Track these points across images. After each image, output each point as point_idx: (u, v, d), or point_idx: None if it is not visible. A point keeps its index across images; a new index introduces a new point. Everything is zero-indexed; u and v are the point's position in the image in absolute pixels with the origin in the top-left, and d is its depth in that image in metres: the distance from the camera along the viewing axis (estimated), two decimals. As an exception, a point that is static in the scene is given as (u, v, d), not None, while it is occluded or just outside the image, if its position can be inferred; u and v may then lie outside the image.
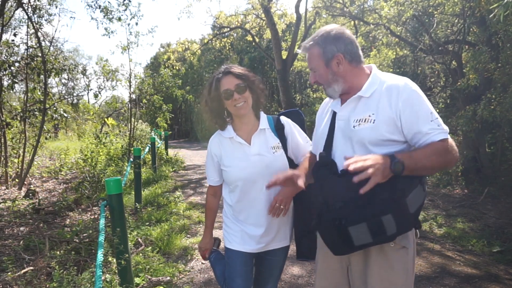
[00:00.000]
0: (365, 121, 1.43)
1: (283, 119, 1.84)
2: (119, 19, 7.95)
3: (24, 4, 6.37)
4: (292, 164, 1.81)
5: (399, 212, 1.28)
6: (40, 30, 6.88)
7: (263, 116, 1.82)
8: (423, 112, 1.38)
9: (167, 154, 11.43)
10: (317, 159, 1.64)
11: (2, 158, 6.76)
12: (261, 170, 1.72)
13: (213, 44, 18.06)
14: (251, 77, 1.74)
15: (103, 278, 2.80)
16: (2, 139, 6.70)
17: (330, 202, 1.36)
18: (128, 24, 8.39)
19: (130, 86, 9.60)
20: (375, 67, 1.55)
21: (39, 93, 7.36)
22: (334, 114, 1.59)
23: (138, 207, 5.22)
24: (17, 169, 7.28)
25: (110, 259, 3.18)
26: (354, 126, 1.45)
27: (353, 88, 1.50)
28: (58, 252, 3.27)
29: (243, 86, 1.69)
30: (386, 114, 1.40)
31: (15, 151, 7.62)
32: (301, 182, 1.48)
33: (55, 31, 21.94)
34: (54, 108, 7.19)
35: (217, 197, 1.94)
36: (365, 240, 1.30)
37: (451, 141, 1.37)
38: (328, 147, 1.54)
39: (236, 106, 1.69)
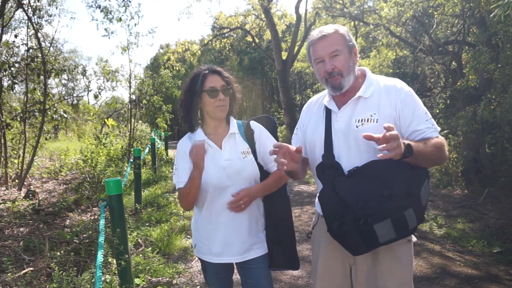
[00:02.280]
0: (367, 121, 1.45)
1: (253, 124, 1.81)
2: (120, 19, 7.96)
3: (24, 5, 6.37)
4: (262, 170, 1.77)
5: (417, 205, 1.33)
6: (40, 30, 6.89)
7: (233, 120, 1.78)
8: (419, 112, 1.45)
9: (167, 154, 11.42)
10: (312, 160, 1.63)
11: (2, 159, 6.76)
12: (232, 176, 1.67)
13: (213, 44, 18.09)
14: (234, 84, 1.74)
15: (103, 279, 2.80)
16: (2, 140, 6.70)
17: (350, 203, 1.34)
18: (128, 25, 8.41)
19: (130, 86, 9.62)
20: (368, 70, 1.59)
21: (39, 93, 7.36)
22: (328, 115, 1.57)
23: (138, 207, 5.21)
24: (17, 170, 7.28)
25: (110, 259, 3.17)
26: (357, 126, 1.46)
27: (353, 87, 1.51)
28: (58, 253, 3.26)
29: (228, 89, 1.68)
30: (388, 113, 1.44)
31: (15, 152, 7.63)
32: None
33: (55, 32, 21.91)
34: (54, 109, 7.19)
35: None
36: (390, 236, 1.31)
37: (443, 139, 1.46)
38: (328, 149, 1.52)
39: (217, 107, 1.65)
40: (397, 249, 1.45)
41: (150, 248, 3.80)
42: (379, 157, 1.25)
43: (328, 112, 1.57)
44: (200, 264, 3.62)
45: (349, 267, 1.57)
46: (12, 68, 6.43)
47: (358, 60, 1.55)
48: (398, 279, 1.47)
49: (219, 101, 1.65)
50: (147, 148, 9.20)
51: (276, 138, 1.87)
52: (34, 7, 6.65)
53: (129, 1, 7.88)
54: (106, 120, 13.21)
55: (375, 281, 1.48)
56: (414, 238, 1.51)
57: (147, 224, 4.67)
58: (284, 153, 1.41)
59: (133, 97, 10.59)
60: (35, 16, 6.83)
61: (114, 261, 2.82)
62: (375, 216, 1.29)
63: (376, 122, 1.43)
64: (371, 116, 1.45)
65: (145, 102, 10.61)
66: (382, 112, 1.44)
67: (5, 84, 6.84)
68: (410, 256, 1.49)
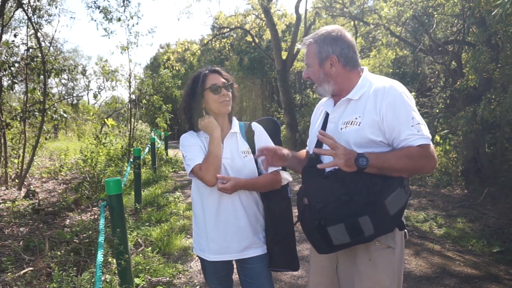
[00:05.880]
0: (351, 124, 1.46)
1: (254, 125, 1.84)
2: (119, 19, 7.95)
3: (24, 5, 6.37)
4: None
5: (376, 214, 1.31)
6: (40, 30, 6.89)
7: (235, 120, 1.82)
8: (404, 117, 1.38)
9: (167, 154, 11.43)
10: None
11: (2, 159, 6.76)
12: (232, 174, 1.69)
13: (213, 44, 18.04)
14: (234, 82, 1.79)
15: (103, 278, 2.80)
16: (2, 140, 6.70)
17: (311, 203, 1.38)
18: (128, 25, 8.41)
19: (129, 86, 9.60)
20: (366, 70, 1.58)
21: (39, 93, 7.35)
22: (327, 115, 1.62)
23: (138, 207, 5.22)
24: (17, 170, 7.28)
25: (110, 259, 3.17)
26: (341, 129, 1.49)
27: (344, 90, 1.53)
28: (58, 253, 3.26)
29: (229, 85, 1.74)
30: (371, 117, 1.42)
31: (15, 152, 7.63)
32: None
33: (55, 32, 21.96)
34: (54, 109, 7.18)
35: None
36: (343, 240, 1.33)
37: (430, 147, 1.37)
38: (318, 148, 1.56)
39: (222, 103, 1.70)
40: (375, 254, 1.44)
41: (150, 248, 3.80)
42: (318, 167, 1.37)
43: (327, 113, 1.63)
44: (200, 263, 3.62)
45: (335, 265, 1.60)
46: (12, 68, 6.42)
47: (338, 67, 1.51)
48: (373, 284, 1.44)
49: (223, 97, 1.70)
50: (147, 148, 9.19)
51: (280, 140, 1.89)
52: (34, 7, 6.65)
53: (129, 1, 7.85)
54: (106, 120, 13.19)
55: (352, 283, 1.49)
56: (397, 246, 1.44)
57: (147, 224, 4.67)
58: (272, 155, 1.64)
59: (133, 96, 10.59)
60: (35, 16, 6.83)
61: (114, 261, 2.83)
62: (329, 219, 1.32)
63: (359, 125, 1.43)
64: (356, 119, 1.45)
65: (145, 102, 10.60)
66: (366, 116, 1.43)
67: (5, 84, 6.84)
68: (390, 263, 1.43)
